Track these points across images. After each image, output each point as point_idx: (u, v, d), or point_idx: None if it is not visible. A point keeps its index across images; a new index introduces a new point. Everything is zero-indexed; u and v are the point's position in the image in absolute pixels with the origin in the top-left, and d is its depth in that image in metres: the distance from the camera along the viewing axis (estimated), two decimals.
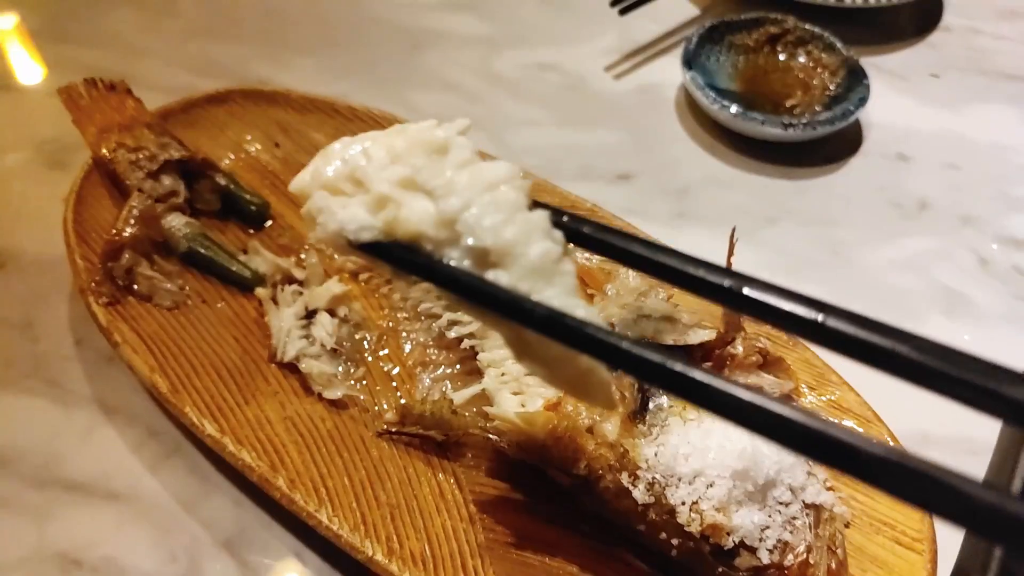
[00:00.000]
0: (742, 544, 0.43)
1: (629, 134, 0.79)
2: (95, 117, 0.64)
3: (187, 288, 0.59)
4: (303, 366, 0.54)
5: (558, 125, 0.80)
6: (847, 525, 0.47)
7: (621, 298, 0.53)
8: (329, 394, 0.53)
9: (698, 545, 0.44)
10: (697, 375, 0.26)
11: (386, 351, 0.57)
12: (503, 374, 0.52)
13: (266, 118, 0.70)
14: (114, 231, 0.57)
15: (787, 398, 0.52)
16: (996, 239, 0.70)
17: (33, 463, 0.54)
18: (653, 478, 0.45)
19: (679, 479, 0.44)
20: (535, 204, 0.33)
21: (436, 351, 0.56)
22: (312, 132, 0.69)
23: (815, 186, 0.74)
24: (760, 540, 0.43)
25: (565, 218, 0.33)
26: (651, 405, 0.48)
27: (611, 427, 0.47)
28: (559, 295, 0.31)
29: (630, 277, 0.55)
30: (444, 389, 0.54)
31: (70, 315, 0.62)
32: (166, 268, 0.59)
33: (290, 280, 0.59)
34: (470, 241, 0.31)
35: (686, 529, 0.43)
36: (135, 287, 0.57)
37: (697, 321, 0.52)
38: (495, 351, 0.53)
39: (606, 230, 0.33)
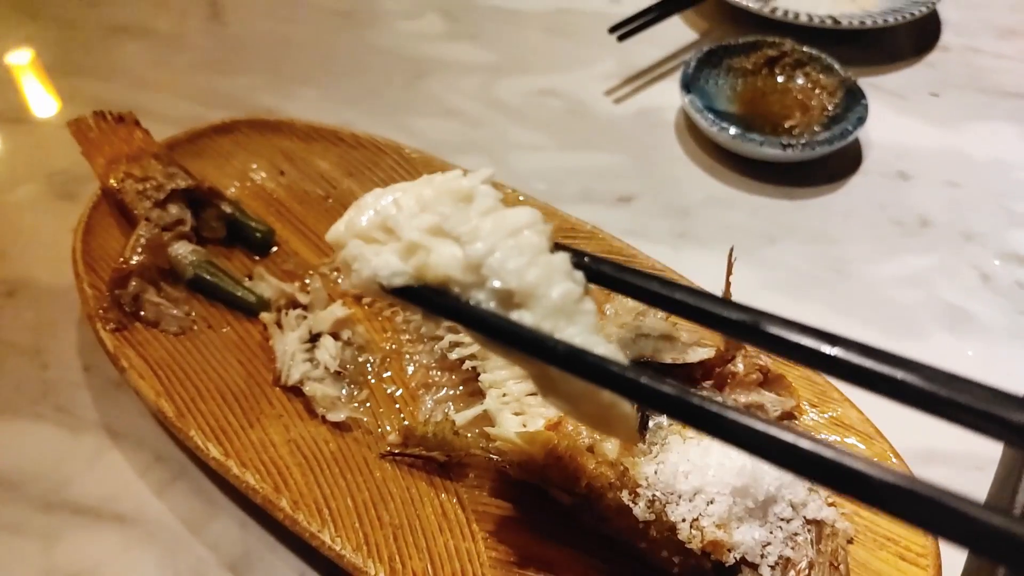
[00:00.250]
0: (743, 561, 0.43)
1: (629, 157, 0.80)
2: (104, 149, 0.66)
3: (193, 314, 0.60)
4: (307, 389, 0.55)
5: (559, 149, 0.81)
6: (850, 541, 0.46)
7: (620, 317, 0.53)
8: (333, 416, 0.54)
9: (700, 562, 0.44)
10: (712, 407, 0.27)
11: (389, 373, 0.57)
12: (504, 395, 0.52)
13: (271, 147, 0.71)
14: (121, 259, 0.58)
15: (788, 416, 0.53)
16: (998, 255, 0.70)
17: (41, 487, 0.54)
18: (653, 495, 0.45)
19: (679, 496, 0.44)
20: (557, 247, 0.35)
21: (438, 372, 0.57)
22: (316, 160, 0.70)
23: (815, 205, 0.75)
24: (762, 556, 0.43)
25: (586, 259, 0.35)
26: (651, 423, 0.48)
27: (611, 446, 0.47)
28: (580, 333, 0.33)
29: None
30: (447, 410, 0.55)
31: (79, 342, 0.63)
32: (173, 295, 0.60)
33: (294, 304, 0.60)
34: (496, 284, 0.34)
35: (687, 546, 0.43)
36: (142, 313, 0.58)
37: (696, 339, 0.52)
38: (496, 372, 0.54)
39: (624, 270, 0.35)
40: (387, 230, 0.38)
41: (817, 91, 0.81)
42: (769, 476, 0.45)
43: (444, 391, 0.56)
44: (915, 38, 0.93)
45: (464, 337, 0.56)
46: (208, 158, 0.70)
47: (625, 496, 0.45)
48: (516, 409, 0.51)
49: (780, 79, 0.83)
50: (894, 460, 0.49)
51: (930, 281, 0.68)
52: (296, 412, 0.55)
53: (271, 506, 0.49)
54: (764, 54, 0.83)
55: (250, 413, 0.54)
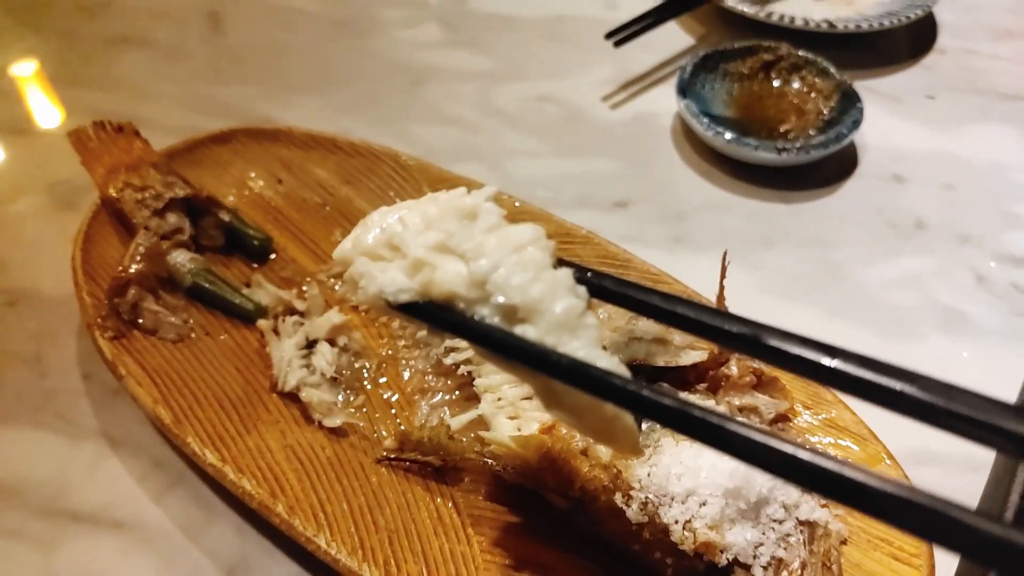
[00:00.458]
0: (736, 561, 0.43)
1: (626, 162, 0.80)
2: (103, 158, 0.66)
3: (191, 321, 0.60)
4: (303, 395, 0.55)
5: (556, 155, 0.81)
6: (844, 541, 0.47)
7: (612, 321, 0.53)
8: (329, 422, 0.54)
9: (692, 563, 0.44)
10: (713, 419, 0.28)
11: (385, 379, 0.58)
12: (499, 399, 0.53)
13: (269, 155, 0.72)
14: (120, 268, 0.59)
15: (782, 418, 0.53)
16: (994, 256, 0.70)
17: (41, 494, 0.55)
18: (646, 498, 0.45)
19: (672, 498, 0.45)
20: (560, 262, 0.36)
21: (434, 378, 0.57)
22: (314, 168, 0.71)
23: (811, 208, 0.75)
24: (754, 557, 0.44)
25: (588, 274, 0.36)
26: (643, 426, 0.49)
27: (604, 449, 0.48)
28: (583, 347, 0.33)
29: None
30: (442, 415, 0.55)
31: (78, 350, 0.63)
32: (171, 302, 0.60)
33: (291, 311, 0.61)
34: (500, 299, 0.34)
35: (680, 548, 0.44)
36: (140, 321, 0.58)
37: (689, 342, 0.52)
38: (491, 376, 0.54)
39: (626, 284, 0.36)
40: (393, 247, 0.39)
41: (813, 95, 0.81)
42: (761, 478, 0.45)
43: (439, 396, 0.56)
44: (911, 41, 0.94)
45: (459, 342, 0.57)
46: (206, 167, 0.70)
47: (618, 498, 0.45)
48: (511, 413, 0.52)
49: (776, 83, 0.83)
50: (888, 462, 0.49)
51: (926, 283, 0.68)
52: (292, 418, 0.55)
53: (267, 511, 0.49)
54: (760, 58, 0.84)
55: (247, 419, 0.54)
